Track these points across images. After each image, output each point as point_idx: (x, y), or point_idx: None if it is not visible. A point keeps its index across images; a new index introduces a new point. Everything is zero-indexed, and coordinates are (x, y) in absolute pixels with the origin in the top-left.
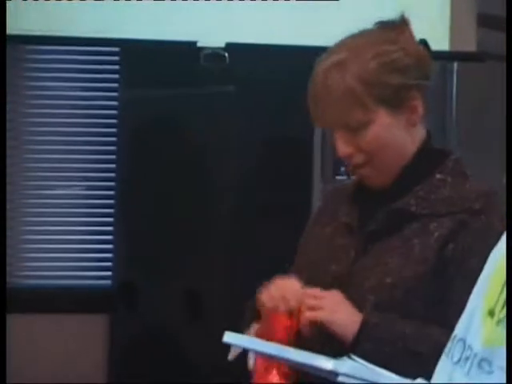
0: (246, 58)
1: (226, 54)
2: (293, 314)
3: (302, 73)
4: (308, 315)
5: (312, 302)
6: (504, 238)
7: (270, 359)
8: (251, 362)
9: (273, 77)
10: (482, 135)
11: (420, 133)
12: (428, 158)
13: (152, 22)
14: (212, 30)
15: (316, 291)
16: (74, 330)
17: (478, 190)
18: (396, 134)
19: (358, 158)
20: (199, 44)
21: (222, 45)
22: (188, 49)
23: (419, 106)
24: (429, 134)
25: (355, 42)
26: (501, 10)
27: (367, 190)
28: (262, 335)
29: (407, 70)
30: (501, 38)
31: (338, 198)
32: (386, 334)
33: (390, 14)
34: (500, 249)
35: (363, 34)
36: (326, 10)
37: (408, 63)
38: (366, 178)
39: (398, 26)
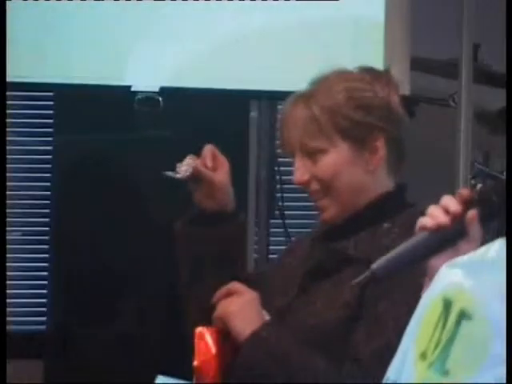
0: (180, 101)
1: (160, 98)
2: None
3: (235, 115)
4: (218, 310)
5: (223, 301)
6: (438, 279)
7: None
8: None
9: (206, 119)
10: (420, 173)
11: (384, 182)
12: (384, 208)
13: (86, 66)
14: (146, 75)
15: (234, 287)
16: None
17: None
18: (353, 170)
19: (314, 186)
20: (133, 88)
21: (156, 89)
22: (122, 93)
23: (381, 148)
24: (400, 188)
25: (330, 77)
26: (431, 54)
27: (324, 231)
28: (197, 352)
29: (373, 111)
30: (432, 79)
31: (302, 241)
32: (271, 350)
33: (325, 60)
34: (430, 293)
35: (341, 72)
36: (262, 54)
37: (376, 105)
38: (322, 210)
39: (377, 73)
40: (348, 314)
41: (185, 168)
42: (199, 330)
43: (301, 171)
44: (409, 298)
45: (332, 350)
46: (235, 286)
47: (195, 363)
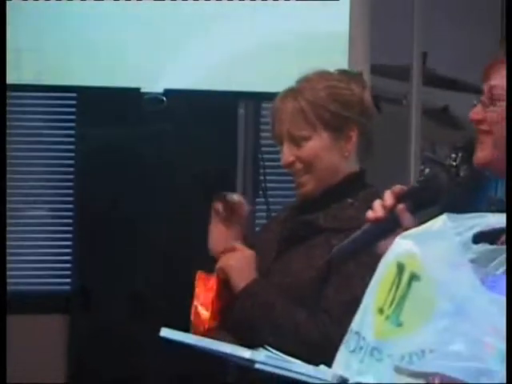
0: (181, 101)
1: (164, 98)
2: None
3: (230, 114)
4: (219, 263)
5: (228, 255)
6: (393, 247)
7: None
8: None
9: (203, 116)
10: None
11: (353, 166)
12: (346, 186)
13: (102, 71)
14: (153, 77)
15: (239, 246)
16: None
17: None
18: (331, 154)
19: (298, 165)
20: (142, 90)
21: (161, 90)
22: (132, 94)
23: (354, 137)
24: (362, 171)
25: (313, 77)
26: (387, 61)
27: (299, 205)
28: (197, 295)
29: (350, 106)
30: (388, 82)
31: (280, 212)
32: (259, 302)
33: (297, 65)
34: (386, 259)
35: (323, 73)
36: (249, 62)
37: (352, 101)
38: (302, 186)
39: (352, 75)
40: (319, 274)
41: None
42: (201, 274)
43: (287, 154)
44: (372, 262)
45: (307, 304)
46: (237, 245)
47: (195, 304)
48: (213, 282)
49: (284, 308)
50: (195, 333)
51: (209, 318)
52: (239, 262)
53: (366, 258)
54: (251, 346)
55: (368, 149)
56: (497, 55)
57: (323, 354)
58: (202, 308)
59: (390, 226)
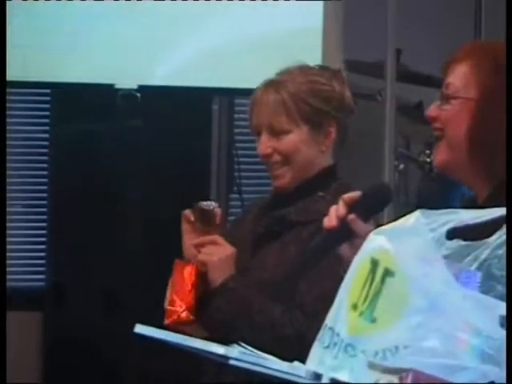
0: (155, 97)
1: (138, 94)
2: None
3: (201, 109)
4: (199, 256)
5: (208, 247)
6: (367, 243)
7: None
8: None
9: (177, 111)
10: (354, 155)
11: (328, 161)
12: (319, 180)
13: (77, 67)
14: (127, 73)
15: (218, 239)
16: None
17: None
18: (309, 148)
19: (276, 157)
20: (116, 86)
21: (135, 86)
22: (106, 90)
23: (333, 133)
24: (334, 165)
25: (295, 70)
26: (362, 57)
27: (273, 199)
28: (173, 282)
29: (331, 102)
30: (363, 78)
31: (254, 206)
32: (236, 299)
33: (270, 61)
34: (361, 254)
35: (304, 67)
36: (223, 59)
37: (333, 97)
38: (278, 178)
39: (334, 71)
40: (294, 270)
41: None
42: (179, 262)
43: (265, 145)
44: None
45: (284, 301)
46: (219, 238)
47: (170, 291)
48: (190, 271)
49: (261, 304)
50: (169, 321)
51: (184, 308)
52: (222, 260)
53: (338, 253)
54: (225, 340)
55: (342, 144)
56: (454, 53)
57: (298, 350)
58: (178, 297)
59: (345, 234)
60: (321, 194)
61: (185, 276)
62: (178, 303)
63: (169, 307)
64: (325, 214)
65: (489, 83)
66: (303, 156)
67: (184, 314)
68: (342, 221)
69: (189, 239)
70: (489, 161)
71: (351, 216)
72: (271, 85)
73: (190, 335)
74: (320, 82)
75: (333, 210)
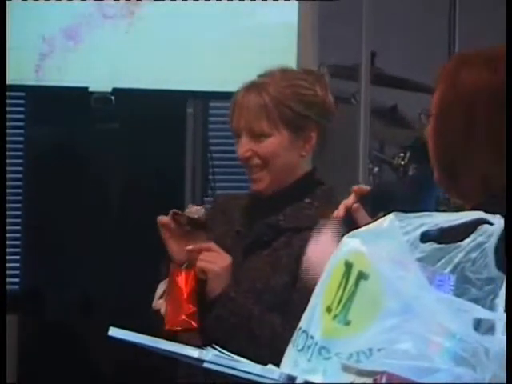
0: (130, 100)
1: (113, 97)
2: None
3: (178, 113)
4: (199, 263)
5: (206, 254)
6: (341, 246)
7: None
8: (162, 309)
9: (151, 114)
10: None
11: (308, 166)
12: (303, 186)
13: (51, 71)
14: (101, 77)
15: (213, 246)
16: None
17: None
18: (289, 153)
19: (255, 161)
20: (90, 89)
21: (109, 89)
22: (81, 93)
23: (314, 138)
24: (314, 169)
25: (278, 73)
26: (337, 61)
27: (255, 203)
28: (168, 288)
29: (313, 107)
30: (337, 81)
31: (231, 205)
32: (237, 308)
33: (246, 64)
34: (335, 257)
35: (287, 70)
36: (197, 60)
37: (314, 102)
38: (256, 182)
39: (317, 76)
40: (287, 277)
41: (195, 209)
42: (176, 268)
43: (245, 148)
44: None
45: (279, 309)
46: (213, 245)
47: (168, 299)
48: (187, 277)
49: (260, 314)
50: (166, 327)
51: (187, 314)
52: (223, 269)
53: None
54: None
55: (321, 148)
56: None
57: None
58: (178, 303)
59: (349, 222)
60: (308, 201)
61: (183, 282)
62: (179, 309)
63: (169, 313)
64: (315, 220)
65: (446, 99)
66: (283, 160)
67: (187, 321)
68: (349, 210)
69: (178, 244)
70: (453, 180)
71: (356, 205)
72: (253, 87)
73: (186, 343)
74: (303, 86)
75: (343, 202)
